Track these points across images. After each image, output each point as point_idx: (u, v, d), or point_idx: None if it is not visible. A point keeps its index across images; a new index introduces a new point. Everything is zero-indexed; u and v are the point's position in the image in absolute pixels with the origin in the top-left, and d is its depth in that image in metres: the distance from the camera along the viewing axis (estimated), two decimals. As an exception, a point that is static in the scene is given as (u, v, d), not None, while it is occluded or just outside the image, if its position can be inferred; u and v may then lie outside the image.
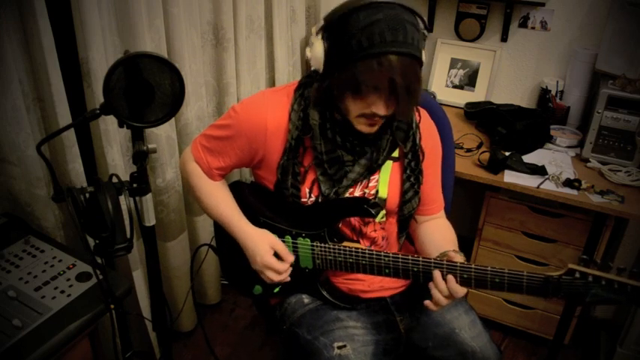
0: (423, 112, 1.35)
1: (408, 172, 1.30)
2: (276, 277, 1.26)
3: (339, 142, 1.22)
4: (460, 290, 1.14)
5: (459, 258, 1.19)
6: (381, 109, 1.10)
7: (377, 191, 1.30)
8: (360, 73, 1.05)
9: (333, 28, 1.09)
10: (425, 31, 1.12)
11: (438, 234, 1.36)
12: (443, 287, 1.15)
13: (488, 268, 1.13)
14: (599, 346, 2.12)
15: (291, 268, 1.29)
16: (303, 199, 1.28)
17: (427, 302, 1.17)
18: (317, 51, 1.12)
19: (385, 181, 1.30)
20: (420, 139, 1.30)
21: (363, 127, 1.17)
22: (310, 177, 1.27)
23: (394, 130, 1.27)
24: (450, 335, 1.31)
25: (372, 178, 1.30)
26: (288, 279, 1.30)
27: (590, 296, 1.06)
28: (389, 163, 1.31)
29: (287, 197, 1.28)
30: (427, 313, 1.35)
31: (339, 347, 1.24)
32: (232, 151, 1.29)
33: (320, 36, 1.12)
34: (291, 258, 1.28)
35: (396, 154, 1.31)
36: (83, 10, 1.31)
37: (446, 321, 1.33)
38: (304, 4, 2.26)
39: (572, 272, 1.07)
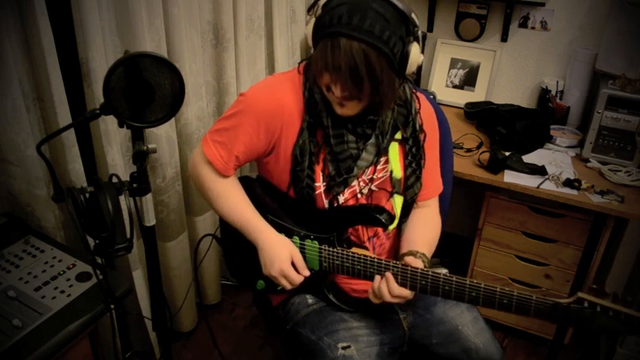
0: (422, 98, 1.36)
1: (409, 157, 1.31)
2: (288, 286, 1.25)
3: (341, 119, 1.23)
4: (407, 294, 1.19)
5: (419, 264, 1.20)
6: (336, 90, 1.13)
7: (391, 172, 1.31)
8: (317, 51, 1.11)
9: (316, 7, 1.14)
10: (416, 29, 1.12)
11: (421, 228, 1.37)
12: (385, 293, 1.19)
13: (497, 289, 1.13)
14: (599, 346, 2.12)
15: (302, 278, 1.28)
16: (317, 183, 1.26)
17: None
18: (308, 29, 1.17)
19: (396, 162, 1.31)
20: (421, 124, 1.32)
21: (334, 105, 1.20)
22: (322, 156, 1.26)
23: (396, 115, 1.28)
24: (453, 332, 1.32)
25: (379, 160, 1.30)
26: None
27: (595, 325, 1.06)
28: (394, 145, 1.31)
29: (302, 180, 1.25)
30: (430, 310, 1.36)
31: (344, 347, 1.24)
32: (247, 137, 1.25)
33: (312, 15, 1.16)
34: (306, 273, 1.26)
35: (399, 135, 1.31)
36: (83, 10, 1.31)
37: (449, 318, 1.34)
38: (304, 4, 2.26)
39: (581, 301, 1.07)
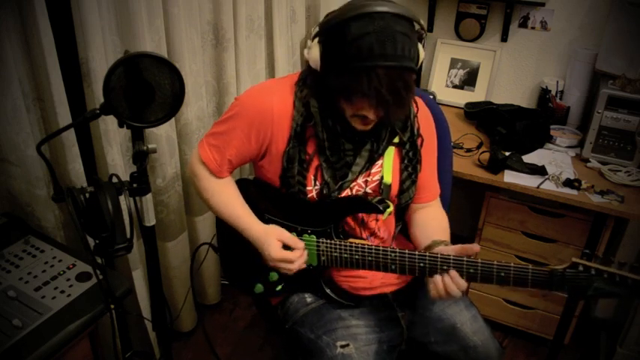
0: (420, 102, 1.37)
1: (405, 161, 1.32)
2: (291, 267, 1.25)
3: (339, 130, 1.23)
4: (463, 284, 1.18)
5: (449, 250, 1.21)
6: (370, 114, 1.14)
7: (382, 177, 1.31)
8: (349, 83, 1.09)
9: (327, 36, 1.12)
10: (423, 32, 1.14)
11: (430, 223, 1.38)
12: (453, 289, 1.17)
13: (494, 263, 1.15)
14: (599, 346, 2.12)
15: (305, 253, 1.28)
16: (308, 187, 1.28)
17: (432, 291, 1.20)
18: (314, 54, 1.15)
19: (389, 167, 1.32)
20: (418, 128, 1.33)
21: (357, 125, 1.20)
22: (314, 164, 1.28)
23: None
24: (452, 330, 1.32)
25: (374, 164, 1.31)
26: (304, 265, 1.28)
27: (592, 289, 1.08)
28: (391, 149, 1.32)
29: (292, 186, 1.27)
30: (428, 308, 1.37)
31: (342, 346, 1.25)
32: (239, 142, 1.28)
33: (317, 40, 1.15)
34: (300, 244, 1.27)
35: (396, 139, 1.32)
36: (83, 10, 1.31)
37: (447, 316, 1.34)
38: (304, 4, 2.27)
39: (575, 266, 1.09)
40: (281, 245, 1.26)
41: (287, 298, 1.41)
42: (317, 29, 1.15)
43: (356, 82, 1.07)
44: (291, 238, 1.28)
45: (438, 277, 1.18)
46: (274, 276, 1.34)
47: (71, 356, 1.14)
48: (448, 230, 1.38)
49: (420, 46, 1.14)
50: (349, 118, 1.19)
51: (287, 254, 1.25)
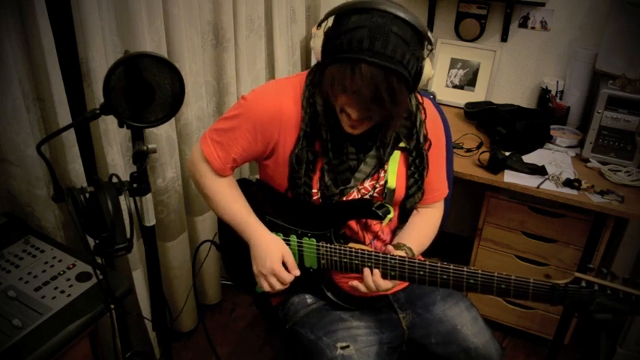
0: (429, 107, 1.34)
1: (412, 168, 1.31)
2: (277, 286, 1.25)
3: (343, 131, 1.22)
4: (384, 285, 1.21)
5: (400, 253, 1.24)
6: (352, 113, 1.12)
7: (386, 181, 1.30)
8: (334, 73, 1.08)
9: (330, 24, 1.11)
10: (431, 47, 1.11)
11: (417, 226, 1.38)
12: (370, 285, 1.22)
13: (495, 275, 1.13)
14: (599, 346, 2.12)
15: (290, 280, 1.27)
16: (314, 190, 1.27)
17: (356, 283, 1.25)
18: (317, 43, 1.14)
19: (394, 171, 1.31)
20: (426, 134, 1.31)
21: (346, 126, 1.18)
22: (319, 166, 1.27)
23: (399, 128, 1.27)
24: (452, 332, 1.32)
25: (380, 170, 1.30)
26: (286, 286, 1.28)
27: (594, 305, 1.06)
28: (397, 153, 1.31)
29: (299, 187, 1.26)
30: (429, 309, 1.36)
31: (342, 347, 1.25)
32: (244, 141, 1.26)
33: (321, 30, 1.14)
34: (296, 272, 1.27)
35: (403, 144, 1.30)
36: (83, 10, 1.31)
37: (448, 317, 1.34)
38: (304, 4, 2.27)
39: (578, 281, 1.07)
40: (282, 261, 1.26)
41: (287, 298, 1.41)
42: (322, 19, 1.14)
43: (339, 74, 1.07)
44: (293, 261, 1.27)
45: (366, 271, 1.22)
46: None
47: (71, 356, 1.14)
48: (428, 239, 1.38)
49: (427, 62, 1.11)
50: (339, 115, 1.17)
51: (284, 272, 1.25)
